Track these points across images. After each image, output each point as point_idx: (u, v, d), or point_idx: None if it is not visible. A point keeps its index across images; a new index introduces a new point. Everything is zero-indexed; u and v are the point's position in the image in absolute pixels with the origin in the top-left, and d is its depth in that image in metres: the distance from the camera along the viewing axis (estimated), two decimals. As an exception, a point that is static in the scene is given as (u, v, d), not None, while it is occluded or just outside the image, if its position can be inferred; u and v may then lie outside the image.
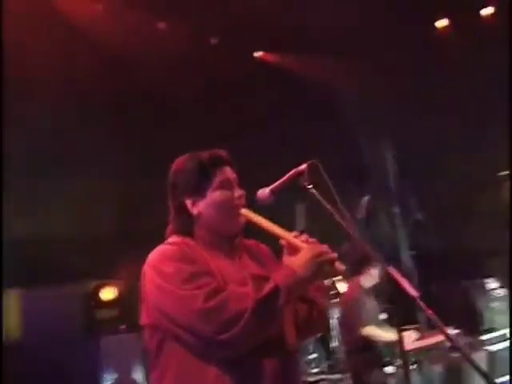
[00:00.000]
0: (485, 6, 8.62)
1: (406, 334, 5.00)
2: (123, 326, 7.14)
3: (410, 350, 5.08)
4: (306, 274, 2.03)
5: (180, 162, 2.25)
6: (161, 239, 2.21)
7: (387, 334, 5.09)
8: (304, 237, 2.16)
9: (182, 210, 2.20)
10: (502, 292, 7.41)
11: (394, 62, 8.13)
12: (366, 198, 6.79)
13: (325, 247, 2.08)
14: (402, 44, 8.03)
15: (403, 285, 2.00)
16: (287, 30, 7.86)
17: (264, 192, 2.23)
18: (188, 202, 2.19)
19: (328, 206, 2.07)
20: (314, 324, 2.31)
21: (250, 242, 2.34)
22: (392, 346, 5.13)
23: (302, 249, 2.09)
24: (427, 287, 7.09)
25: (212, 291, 1.95)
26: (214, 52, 8.34)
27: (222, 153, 2.25)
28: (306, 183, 2.16)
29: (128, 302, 6.97)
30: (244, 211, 2.21)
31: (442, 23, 8.94)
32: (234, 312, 1.92)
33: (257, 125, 8.16)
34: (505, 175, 6.12)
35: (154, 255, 2.12)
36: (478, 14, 8.67)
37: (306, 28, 7.71)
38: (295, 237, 2.16)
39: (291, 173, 2.20)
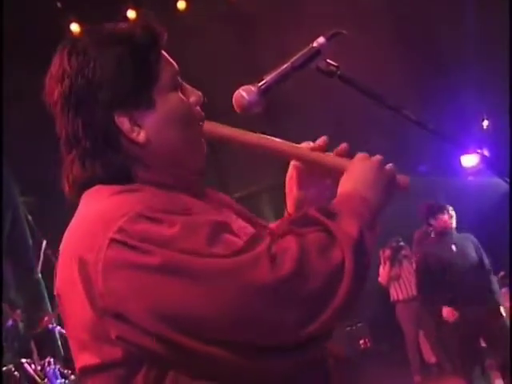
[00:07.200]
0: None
1: None
2: None
3: None
4: (380, 197, 1.23)
5: (87, 46, 1.18)
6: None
7: None
8: (320, 145, 1.35)
9: (108, 141, 1.18)
10: None
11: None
12: None
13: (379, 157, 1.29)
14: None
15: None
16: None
17: (249, 92, 1.29)
18: (123, 122, 1.18)
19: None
20: None
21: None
22: None
23: (341, 167, 1.28)
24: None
25: (270, 245, 1.08)
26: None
27: (156, 23, 1.23)
28: (327, 63, 1.35)
29: None
30: (209, 125, 1.31)
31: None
32: (324, 272, 1.07)
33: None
34: None
35: (108, 220, 1.08)
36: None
37: None
38: (312, 150, 1.34)
39: (302, 53, 1.35)
